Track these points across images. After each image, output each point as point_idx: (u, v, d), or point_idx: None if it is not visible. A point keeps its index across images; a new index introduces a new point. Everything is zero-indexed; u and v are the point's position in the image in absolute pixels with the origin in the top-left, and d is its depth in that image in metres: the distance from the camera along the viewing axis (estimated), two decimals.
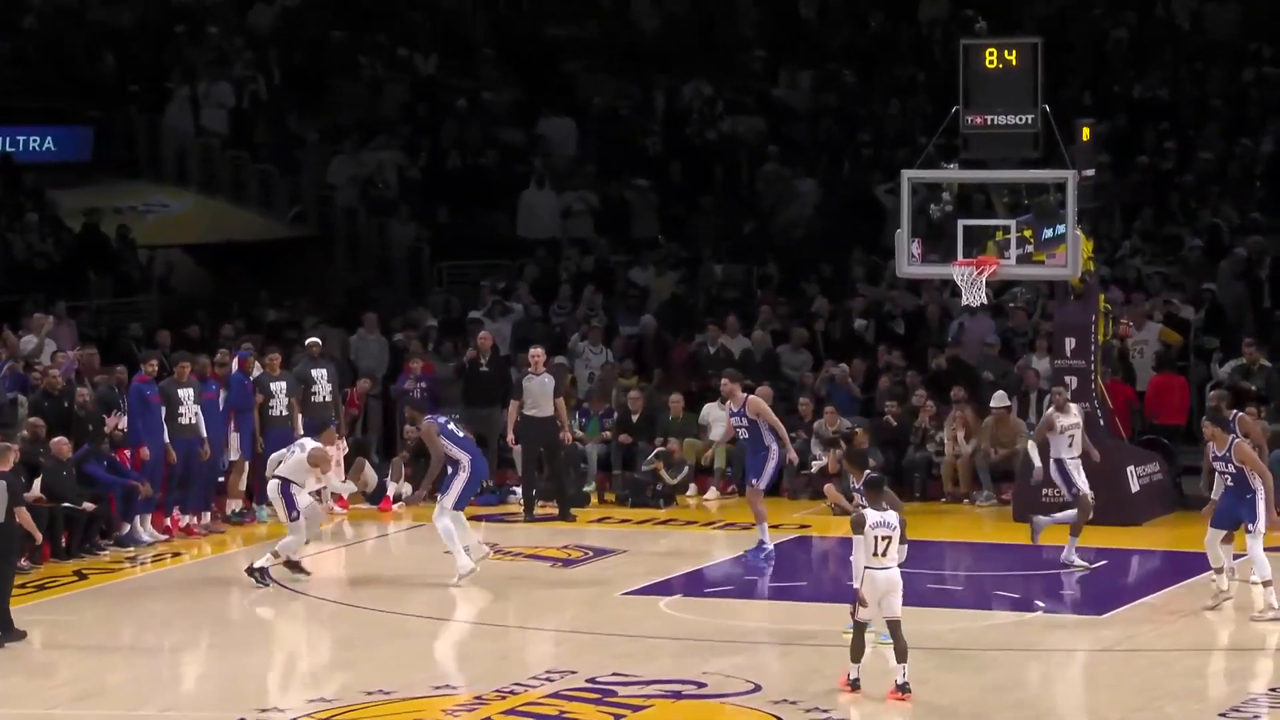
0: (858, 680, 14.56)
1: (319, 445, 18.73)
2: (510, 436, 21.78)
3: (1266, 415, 21.51)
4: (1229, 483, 16.78)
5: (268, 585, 18.25)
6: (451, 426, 18.71)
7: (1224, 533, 16.72)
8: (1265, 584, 16.57)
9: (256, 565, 18.35)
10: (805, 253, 28.03)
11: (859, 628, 14.57)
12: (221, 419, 21.26)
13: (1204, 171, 27.43)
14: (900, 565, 14.61)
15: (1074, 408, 19.20)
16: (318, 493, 22.26)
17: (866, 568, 14.46)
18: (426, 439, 18.65)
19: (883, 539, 14.44)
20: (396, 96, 31.65)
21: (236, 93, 31.37)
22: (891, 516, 14.54)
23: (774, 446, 19.16)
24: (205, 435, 20.83)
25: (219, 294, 28.72)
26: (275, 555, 18.41)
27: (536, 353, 22.11)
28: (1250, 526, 16.51)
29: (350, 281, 29.36)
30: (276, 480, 18.65)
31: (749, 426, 19.17)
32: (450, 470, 18.44)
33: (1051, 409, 19.12)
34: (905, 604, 16.36)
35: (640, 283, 27.61)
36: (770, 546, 19.28)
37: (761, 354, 24.68)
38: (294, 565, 18.58)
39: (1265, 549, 16.70)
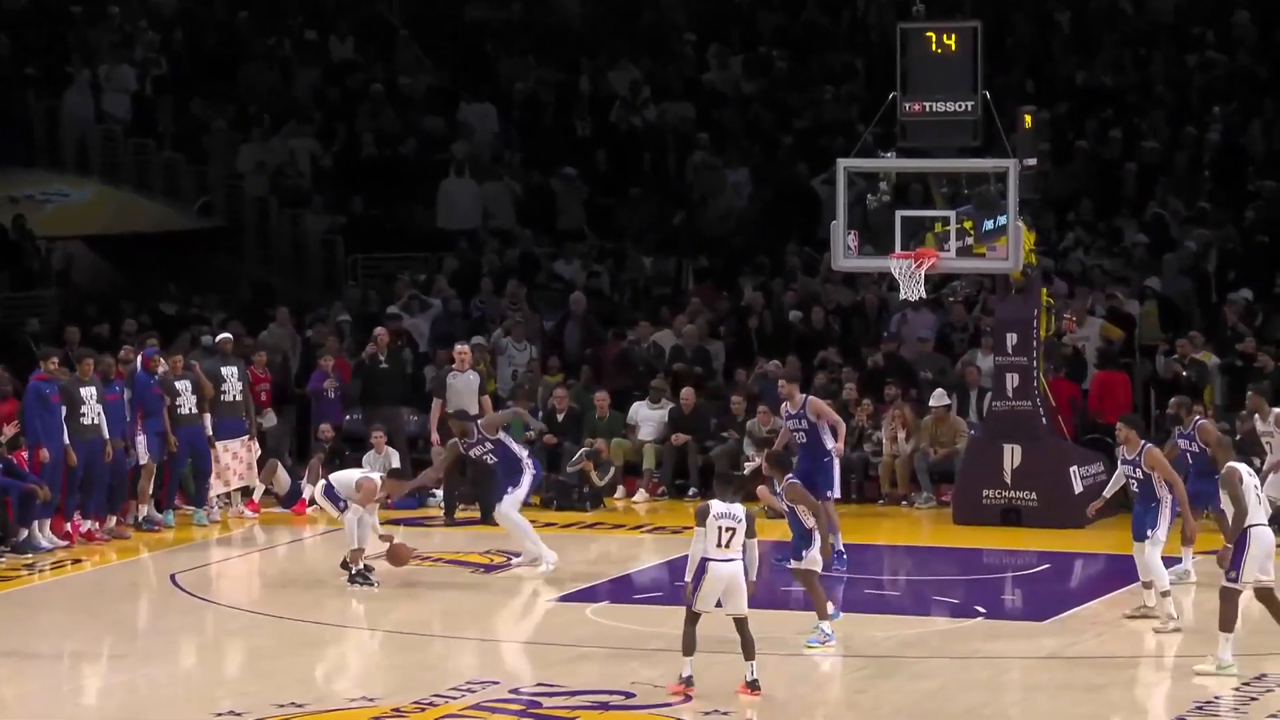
0: (690, 678, 14.69)
1: (374, 479, 18.51)
2: (434, 436, 21.75)
3: (1214, 413, 21.77)
4: (1134, 489, 16.74)
5: (373, 583, 18.31)
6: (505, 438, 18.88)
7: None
8: (1163, 594, 16.60)
9: (353, 571, 18.37)
10: (737, 245, 28.08)
11: (692, 620, 14.71)
12: (126, 420, 21.10)
13: (1149, 161, 27.66)
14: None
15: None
16: (226, 495, 22.23)
17: (709, 559, 14.66)
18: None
19: (726, 530, 14.64)
20: (308, 81, 31.51)
21: (140, 77, 31.15)
22: (738, 509, 14.73)
23: (834, 449, 18.69)
24: (108, 436, 20.67)
25: (123, 288, 28.51)
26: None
27: (462, 349, 22.10)
28: (1150, 533, 16.59)
29: (260, 275, 29.22)
30: (323, 482, 18.66)
31: (809, 430, 18.47)
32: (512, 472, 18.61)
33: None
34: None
35: (566, 276, 27.59)
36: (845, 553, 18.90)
37: (692, 349, 24.73)
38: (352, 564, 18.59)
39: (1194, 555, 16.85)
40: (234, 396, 22.05)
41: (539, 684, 15.22)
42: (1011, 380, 21.15)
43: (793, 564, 15.88)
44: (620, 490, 23.15)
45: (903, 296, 20.95)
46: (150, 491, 21.41)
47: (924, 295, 20.83)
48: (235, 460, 22.01)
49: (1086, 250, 26.34)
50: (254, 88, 31.39)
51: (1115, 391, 23.03)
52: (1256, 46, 29.16)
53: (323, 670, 16.03)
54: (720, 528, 14.64)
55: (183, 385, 21.59)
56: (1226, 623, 15.09)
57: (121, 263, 29.83)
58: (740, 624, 14.68)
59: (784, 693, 15.08)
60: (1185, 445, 18.19)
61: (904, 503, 22.58)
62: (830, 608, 16.07)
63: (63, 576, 19.55)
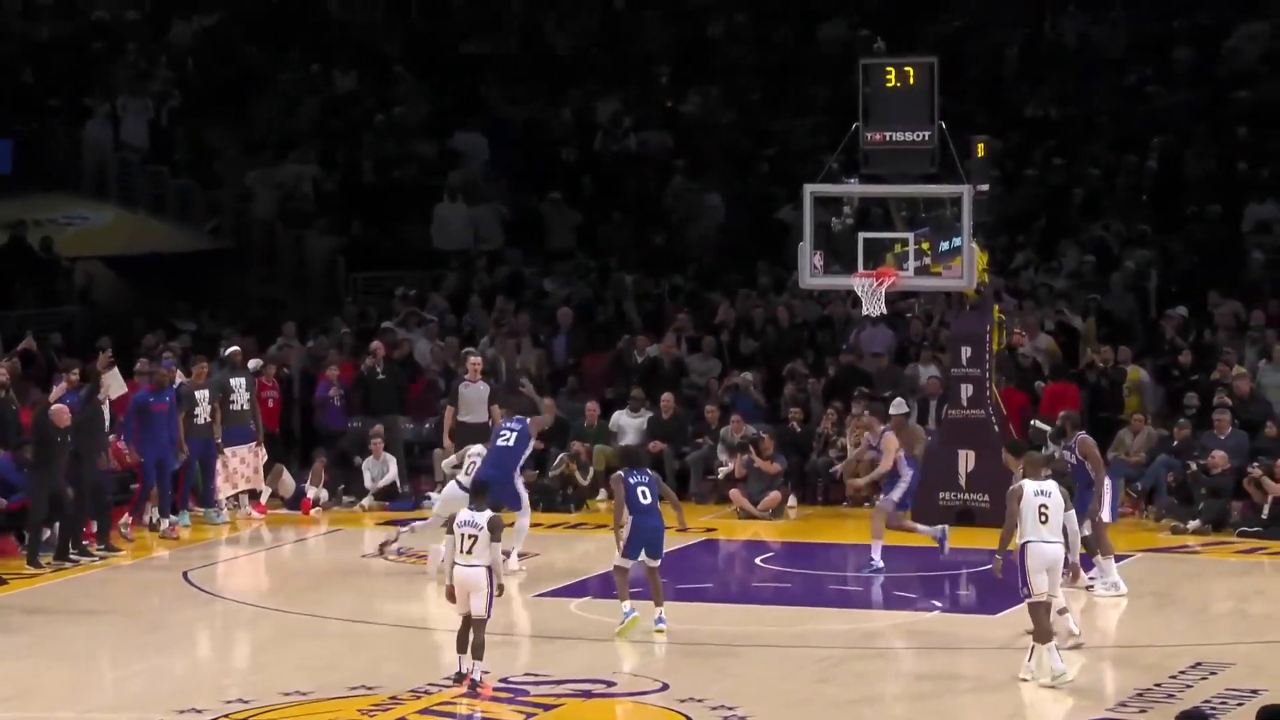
0: (461, 675, 14.81)
1: None
2: (446, 442, 21.78)
3: (1149, 421, 21.90)
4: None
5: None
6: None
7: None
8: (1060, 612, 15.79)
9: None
10: (713, 264, 28.12)
11: (466, 621, 14.89)
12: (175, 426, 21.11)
13: (1093, 186, 27.76)
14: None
15: None
16: (235, 497, 22.21)
17: (455, 564, 14.90)
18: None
19: (469, 537, 14.85)
20: (312, 111, 31.53)
21: (156, 108, 31.16)
22: (480, 518, 14.92)
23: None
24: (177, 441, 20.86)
25: (139, 305, 28.51)
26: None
27: (474, 361, 22.16)
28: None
29: (266, 293, 29.23)
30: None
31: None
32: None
33: None
34: (804, 604, 16.53)
35: (552, 292, 27.58)
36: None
37: (670, 362, 24.80)
38: None
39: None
40: (242, 406, 22.05)
41: (526, 673, 15.24)
42: (966, 390, 21.21)
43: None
44: (602, 493, 23.15)
45: (865, 312, 21.02)
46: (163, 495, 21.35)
47: (884, 311, 20.90)
48: (242, 465, 22.00)
49: (1035, 270, 26.42)
50: (262, 117, 31.40)
51: (1066, 401, 23.06)
52: (1192, 80, 29.28)
53: (325, 660, 16.02)
54: (463, 535, 14.87)
55: (200, 395, 21.63)
56: (1043, 635, 14.83)
57: (138, 281, 29.82)
58: (476, 625, 14.81)
59: (755, 683, 15.14)
60: (1068, 456, 18.12)
61: (866, 504, 22.57)
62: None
63: (84, 574, 19.50)
